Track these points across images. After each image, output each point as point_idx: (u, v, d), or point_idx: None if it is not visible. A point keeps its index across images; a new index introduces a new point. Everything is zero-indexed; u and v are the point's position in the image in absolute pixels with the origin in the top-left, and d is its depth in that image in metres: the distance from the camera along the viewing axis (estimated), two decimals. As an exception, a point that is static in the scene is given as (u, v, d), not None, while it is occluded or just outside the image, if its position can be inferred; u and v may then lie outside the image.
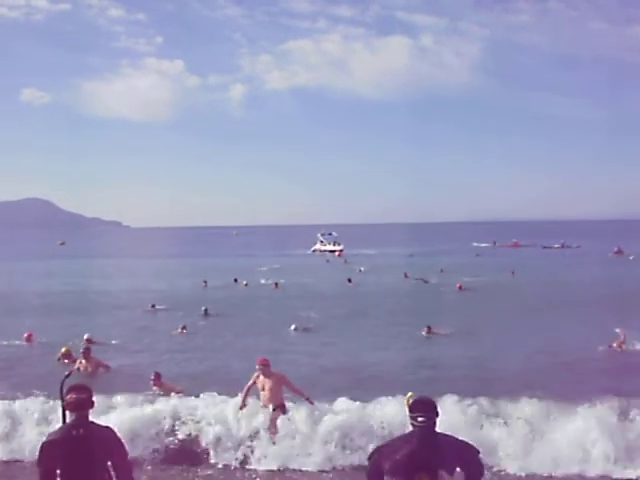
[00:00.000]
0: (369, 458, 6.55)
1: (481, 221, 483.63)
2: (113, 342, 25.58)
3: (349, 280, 47.93)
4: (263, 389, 14.08)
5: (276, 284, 45.85)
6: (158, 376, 17.34)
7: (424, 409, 6.35)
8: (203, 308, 33.49)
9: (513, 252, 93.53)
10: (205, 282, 47.84)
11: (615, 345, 21.91)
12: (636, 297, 33.79)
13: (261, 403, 14.07)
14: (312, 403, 13.93)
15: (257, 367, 14.20)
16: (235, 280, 48.94)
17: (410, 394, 7.10)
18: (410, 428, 6.48)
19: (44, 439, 6.81)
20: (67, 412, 6.87)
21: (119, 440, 6.91)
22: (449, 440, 6.45)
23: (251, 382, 14.24)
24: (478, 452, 6.56)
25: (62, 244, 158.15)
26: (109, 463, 6.74)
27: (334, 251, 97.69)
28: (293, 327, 28.28)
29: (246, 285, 46.79)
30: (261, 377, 14.10)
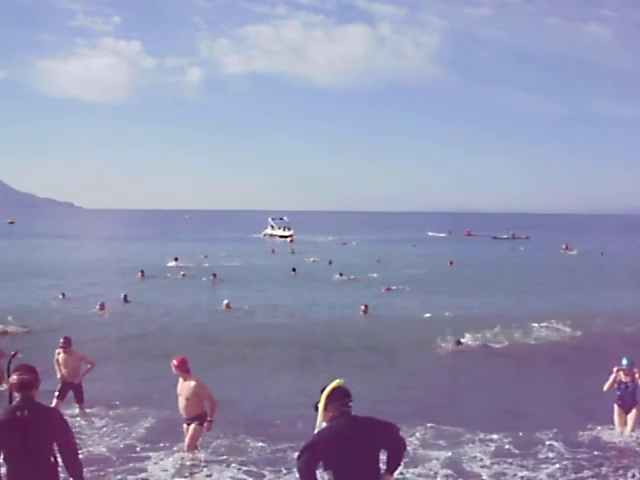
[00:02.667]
0: (300, 456, 6.39)
1: (443, 212, 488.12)
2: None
3: (294, 270, 45.23)
4: (180, 395, 12.11)
5: (214, 275, 41.48)
6: (68, 341, 14.77)
7: (349, 394, 6.44)
8: (122, 294, 31.35)
9: (451, 243, 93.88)
10: (142, 272, 42.79)
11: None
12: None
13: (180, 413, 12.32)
14: (209, 429, 12.22)
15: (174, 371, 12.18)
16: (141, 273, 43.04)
17: (335, 383, 6.50)
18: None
19: None
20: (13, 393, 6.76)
21: (65, 422, 6.82)
22: (371, 421, 6.53)
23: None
24: (397, 429, 6.69)
25: (11, 223, 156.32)
26: (54, 445, 6.67)
27: (285, 236, 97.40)
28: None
29: (183, 276, 42.42)
30: (180, 380, 12.13)
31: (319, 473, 6.36)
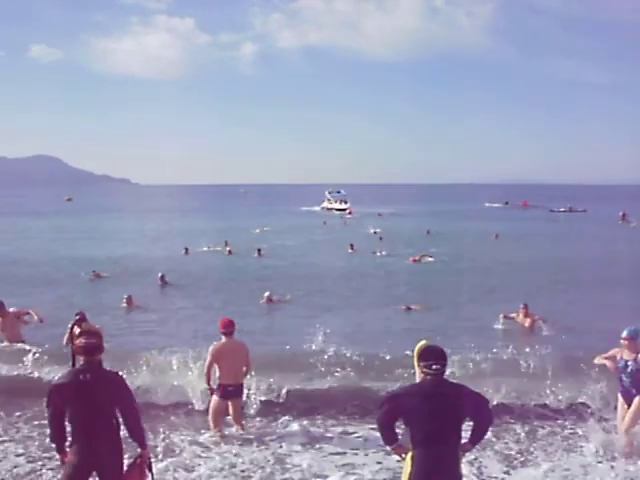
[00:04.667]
0: (382, 405, 6.55)
1: (494, 184, 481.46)
2: None
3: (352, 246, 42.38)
4: (226, 359, 11.17)
5: (259, 250, 39.60)
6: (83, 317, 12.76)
7: (437, 357, 6.46)
8: (159, 274, 29.31)
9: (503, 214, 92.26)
10: (186, 249, 41.05)
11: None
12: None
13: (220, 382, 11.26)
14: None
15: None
16: (185, 250, 41.07)
17: (423, 342, 6.84)
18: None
19: (53, 382, 6.98)
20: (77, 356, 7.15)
21: (126, 386, 7.00)
22: (461, 389, 6.60)
23: (210, 358, 11.16)
24: (487, 402, 6.78)
25: (69, 200, 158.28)
26: (116, 408, 6.84)
27: (342, 209, 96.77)
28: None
29: (230, 252, 40.76)
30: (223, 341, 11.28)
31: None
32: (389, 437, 6.60)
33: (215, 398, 11.27)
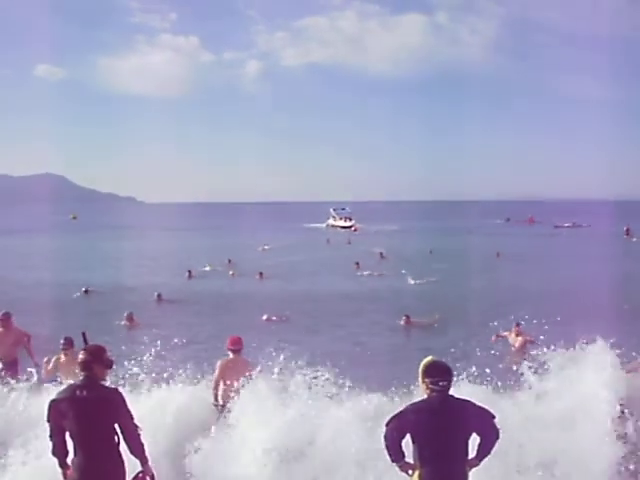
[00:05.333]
0: (389, 422, 6.54)
1: (499, 200, 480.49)
2: None
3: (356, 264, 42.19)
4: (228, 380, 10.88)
5: (261, 274, 38.63)
6: (70, 344, 12.93)
7: (444, 373, 6.50)
8: (156, 293, 29.64)
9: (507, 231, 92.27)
10: (189, 272, 39.77)
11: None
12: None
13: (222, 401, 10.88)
14: None
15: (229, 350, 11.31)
16: (189, 273, 39.77)
17: (429, 358, 6.70)
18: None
19: (52, 397, 6.92)
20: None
21: (125, 403, 6.90)
22: (467, 404, 6.54)
23: (218, 373, 11.04)
24: (494, 417, 6.64)
25: (74, 218, 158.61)
26: (116, 425, 6.79)
27: (347, 227, 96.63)
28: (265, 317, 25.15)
29: (232, 275, 40.09)
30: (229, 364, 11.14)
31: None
32: (396, 454, 6.53)
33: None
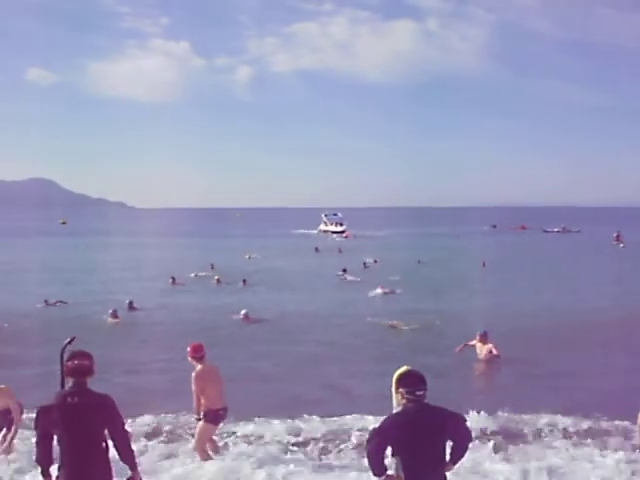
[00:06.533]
0: (371, 438, 6.50)
1: (490, 206, 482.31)
2: None
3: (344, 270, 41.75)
4: (211, 383, 10.82)
5: (244, 281, 38.08)
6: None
7: (419, 382, 6.43)
8: (127, 301, 28.66)
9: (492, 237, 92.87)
10: (173, 278, 38.90)
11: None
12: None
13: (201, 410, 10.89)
14: None
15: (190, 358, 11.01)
16: (172, 279, 38.80)
17: (404, 368, 6.70)
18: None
19: (41, 404, 6.74)
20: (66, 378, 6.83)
21: (116, 409, 6.78)
22: (443, 412, 6.52)
23: (197, 386, 10.75)
24: (464, 420, 6.75)
25: (63, 223, 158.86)
26: (106, 431, 6.71)
27: (338, 232, 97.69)
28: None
29: (218, 281, 39.07)
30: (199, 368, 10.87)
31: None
32: (379, 469, 6.46)
33: (204, 425, 10.86)
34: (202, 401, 10.76)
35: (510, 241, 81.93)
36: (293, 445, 12.08)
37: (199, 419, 10.91)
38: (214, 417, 10.80)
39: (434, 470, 6.39)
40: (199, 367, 10.81)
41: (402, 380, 6.51)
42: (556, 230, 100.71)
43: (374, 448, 6.41)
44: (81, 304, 30.52)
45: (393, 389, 6.64)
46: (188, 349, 10.98)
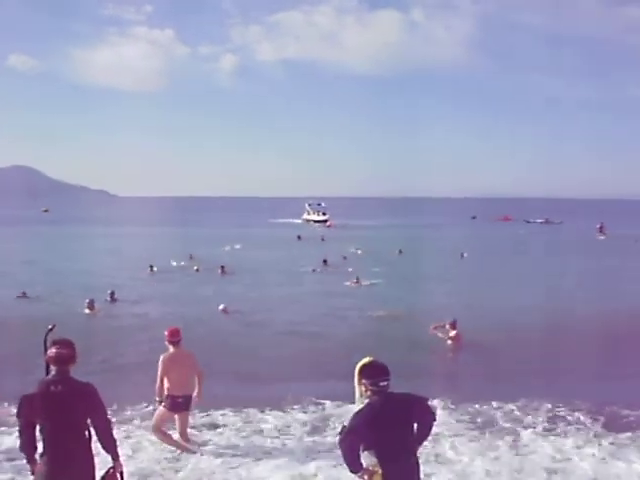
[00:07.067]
0: (345, 437, 6.42)
1: (473, 197, 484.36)
2: None
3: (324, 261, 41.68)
4: (176, 369, 10.80)
5: (222, 268, 38.22)
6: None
7: (383, 372, 6.41)
8: (109, 291, 27.92)
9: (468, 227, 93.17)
10: (151, 267, 39.03)
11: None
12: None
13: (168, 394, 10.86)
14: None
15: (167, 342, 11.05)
16: (150, 268, 38.89)
17: (367, 359, 6.59)
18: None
19: (23, 393, 6.72)
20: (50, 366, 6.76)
21: (99, 397, 6.79)
22: (408, 397, 6.59)
23: (162, 369, 10.77)
24: (428, 401, 6.92)
25: (45, 211, 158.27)
26: (88, 420, 6.71)
27: (321, 221, 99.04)
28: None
29: (197, 270, 39.11)
30: (171, 351, 10.94)
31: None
32: (356, 465, 6.43)
33: (161, 409, 10.93)
34: (165, 385, 10.78)
35: (490, 232, 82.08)
36: (271, 436, 12.09)
37: (160, 402, 10.93)
38: (171, 403, 10.81)
39: (407, 456, 6.47)
40: (169, 351, 10.88)
41: (365, 371, 6.46)
42: (539, 221, 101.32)
43: (348, 447, 6.40)
44: (58, 294, 30.04)
45: (356, 381, 6.56)
46: (165, 333, 11.02)
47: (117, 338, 20.96)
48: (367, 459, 6.45)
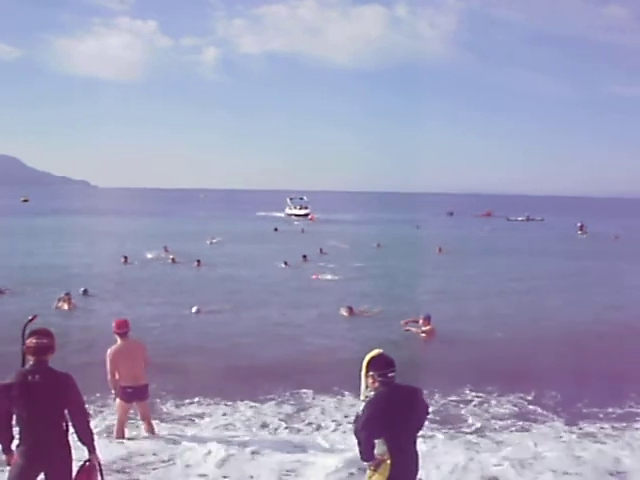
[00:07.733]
0: (360, 431, 6.50)
1: (454, 193, 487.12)
2: None
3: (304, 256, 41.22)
4: (127, 360, 10.76)
5: (198, 261, 38.09)
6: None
7: (390, 364, 6.54)
8: (82, 289, 27.05)
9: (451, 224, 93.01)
10: (125, 257, 38.80)
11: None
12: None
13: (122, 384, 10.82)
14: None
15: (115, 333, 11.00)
16: (124, 258, 38.62)
17: (376, 351, 6.72)
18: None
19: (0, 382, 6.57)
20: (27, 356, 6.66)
21: (77, 388, 6.67)
22: (408, 389, 6.69)
23: (110, 363, 10.69)
24: (421, 391, 6.97)
25: (25, 201, 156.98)
26: (66, 410, 6.58)
27: (305, 215, 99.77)
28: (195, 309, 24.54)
29: (173, 261, 39.02)
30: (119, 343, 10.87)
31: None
32: (370, 455, 6.55)
33: (118, 401, 10.99)
34: (116, 377, 10.75)
35: (467, 228, 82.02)
36: (247, 427, 12.26)
37: (115, 396, 11.01)
38: (122, 394, 10.79)
39: (413, 445, 6.67)
40: (116, 344, 10.82)
41: (373, 364, 6.55)
42: (520, 219, 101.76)
43: (366, 437, 6.48)
44: (31, 286, 29.31)
45: (363, 373, 6.63)
46: (113, 324, 10.99)
47: (91, 331, 20.45)
48: (377, 447, 6.54)
